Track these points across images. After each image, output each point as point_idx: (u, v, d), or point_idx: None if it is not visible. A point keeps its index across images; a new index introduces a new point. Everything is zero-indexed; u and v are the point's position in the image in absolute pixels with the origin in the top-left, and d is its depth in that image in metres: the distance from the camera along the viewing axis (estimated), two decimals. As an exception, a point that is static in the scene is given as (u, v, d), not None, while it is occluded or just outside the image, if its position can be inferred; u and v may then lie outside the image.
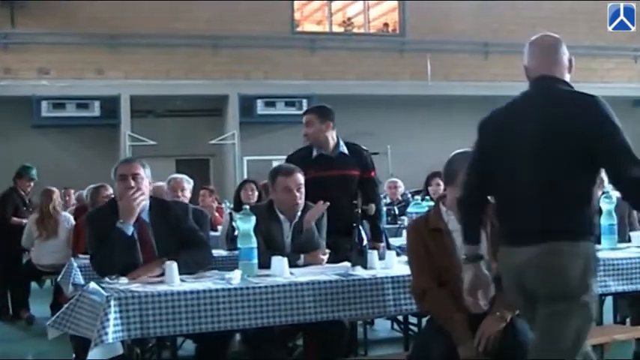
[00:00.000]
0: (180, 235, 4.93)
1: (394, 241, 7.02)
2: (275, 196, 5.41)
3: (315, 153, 6.19)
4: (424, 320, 6.56)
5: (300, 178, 5.35)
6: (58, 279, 7.09)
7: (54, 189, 9.50)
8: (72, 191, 12.25)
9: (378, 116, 18.37)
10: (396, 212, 9.74)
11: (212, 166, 19.34)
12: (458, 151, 4.38)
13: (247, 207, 4.90)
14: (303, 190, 5.35)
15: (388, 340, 7.58)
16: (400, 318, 6.02)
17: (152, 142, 16.95)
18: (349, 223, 5.06)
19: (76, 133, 17.60)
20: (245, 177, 16.67)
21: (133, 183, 4.81)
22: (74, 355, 6.14)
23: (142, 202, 4.85)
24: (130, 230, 4.77)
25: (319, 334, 4.72)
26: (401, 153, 17.43)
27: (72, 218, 9.42)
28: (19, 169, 10.46)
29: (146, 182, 4.92)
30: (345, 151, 6.22)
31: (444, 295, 4.12)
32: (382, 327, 7.87)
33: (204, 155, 19.00)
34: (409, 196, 11.17)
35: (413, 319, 6.01)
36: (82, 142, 17.65)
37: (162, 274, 4.48)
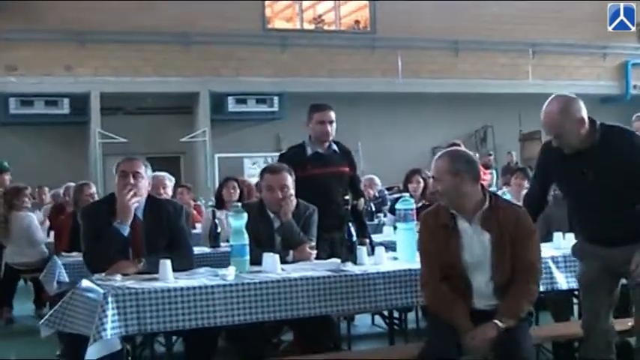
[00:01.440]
0: (169, 235, 4.97)
1: (375, 238, 7.00)
2: (262, 193, 5.42)
3: (310, 150, 6.20)
4: (409, 314, 6.68)
5: (286, 178, 5.28)
6: (40, 277, 7.04)
7: (20, 185, 9.34)
8: (46, 189, 12.09)
9: (349, 113, 18.33)
10: (373, 209, 9.75)
11: (183, 164, 19.31)
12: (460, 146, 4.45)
13: (239, 205, 4.92)
14: (288, 190, 5.26)
15: (369, 335, 7.61)
16: (385, 313, 6.06)
17: (123, 140, 16.87)
18: (344, 219, 5.10)
19: (46, 130, 17.50)
20: (216, 174, 16.68)
21: (132, 180, 4.86)
22: (58, 353, 6.14)
23: (137, 201, 4.89)
24: (126, 231, 4.82)
25: (307, 330, 4.74)
26: (372, 150, 17.46)
27: (30, 216, 9.19)
28: None
29: (145, 182, 4.97)
30: (336, 148, 6.28)
31: (442, 289, 4.13)
32: (362, 322, 7.89)
33: (175, 153, 18.97)
34: (385, 192, 11.24)
35: (396, 314, 6.07)
36: (51, 139, 17.55)
37: (138, 273, 4.56)
